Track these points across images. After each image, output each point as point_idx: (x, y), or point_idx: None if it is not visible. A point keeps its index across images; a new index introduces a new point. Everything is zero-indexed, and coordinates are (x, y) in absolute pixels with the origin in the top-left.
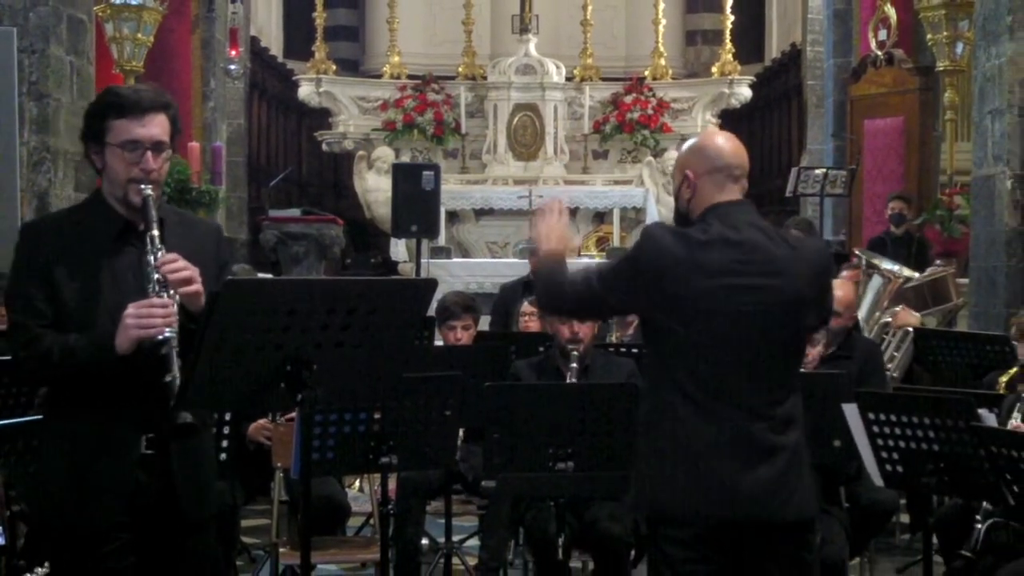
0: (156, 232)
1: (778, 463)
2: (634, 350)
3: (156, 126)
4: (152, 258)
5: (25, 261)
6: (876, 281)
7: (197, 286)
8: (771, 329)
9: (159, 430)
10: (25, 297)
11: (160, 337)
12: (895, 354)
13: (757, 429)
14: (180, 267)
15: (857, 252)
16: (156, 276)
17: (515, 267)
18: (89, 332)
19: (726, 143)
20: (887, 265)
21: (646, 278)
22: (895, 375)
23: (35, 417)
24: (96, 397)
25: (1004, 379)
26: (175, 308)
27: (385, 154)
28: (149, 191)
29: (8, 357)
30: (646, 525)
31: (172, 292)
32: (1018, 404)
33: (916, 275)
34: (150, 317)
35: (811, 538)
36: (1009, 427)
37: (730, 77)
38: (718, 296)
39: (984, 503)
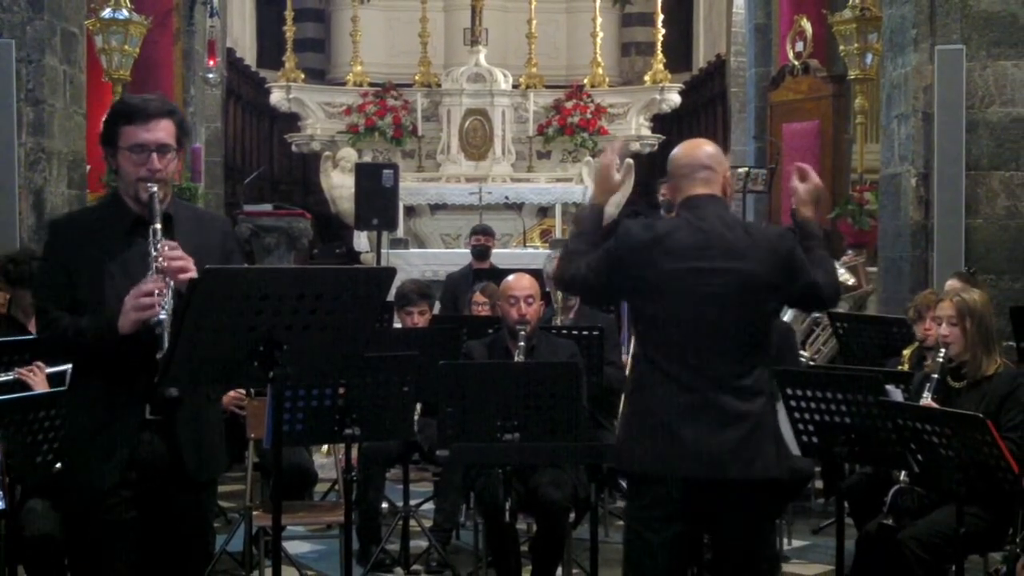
0: (158, 226)
1: (743, 427)
2: (575, 332)
3: (161, 131)
4: (153, 249)
5: (49, 253)
6: None
7: (191, 274)
8: (734, 309)
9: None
10: (48, 286)
11: (154, 319)
12: (822, 348)
13: (724, 398)
14: (176, 256)
15: None
16: (156, 265)
17: (466, 257)
18: (100, 314)
19: (680, 147)
20: None
21: (618, 263)
22: (819, 362)
23: (36, 393)
24: (107, 370)
25: (907, 352)
26: (169, 292)
27: (349, 154)
28: (154, 189)
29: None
30: (627, 482)
31: (168, 279)
32: (928, 383)
33: (851, 280)
34: (144, 299)
35: (773, 499)
36: (921, 404)
37: (661, 85)
38: (684, 278)
39: (903, 475)
